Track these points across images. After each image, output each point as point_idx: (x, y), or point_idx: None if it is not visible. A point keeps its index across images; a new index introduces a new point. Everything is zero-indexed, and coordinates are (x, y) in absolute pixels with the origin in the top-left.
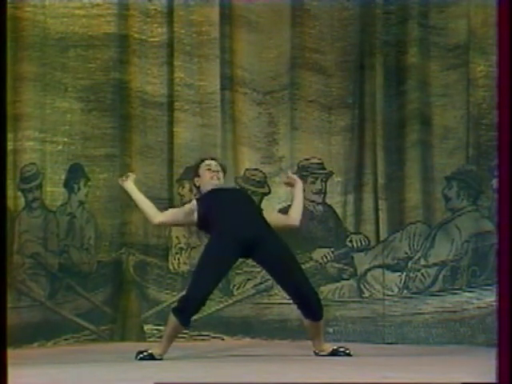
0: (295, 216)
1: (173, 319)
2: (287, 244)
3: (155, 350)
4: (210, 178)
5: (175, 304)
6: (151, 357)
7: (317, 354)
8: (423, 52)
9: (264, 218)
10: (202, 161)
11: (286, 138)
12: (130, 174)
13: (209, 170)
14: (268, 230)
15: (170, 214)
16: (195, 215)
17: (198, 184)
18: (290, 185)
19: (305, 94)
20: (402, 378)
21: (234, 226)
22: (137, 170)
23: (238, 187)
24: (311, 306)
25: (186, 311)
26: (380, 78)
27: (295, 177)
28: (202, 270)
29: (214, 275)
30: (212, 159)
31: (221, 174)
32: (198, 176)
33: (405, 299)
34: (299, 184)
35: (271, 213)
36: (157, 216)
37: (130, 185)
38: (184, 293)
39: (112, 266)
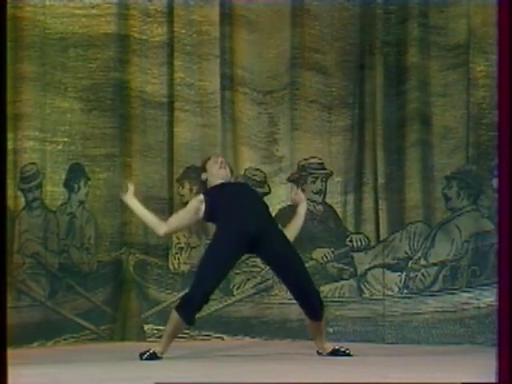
0: (291, 234)
1: (175, 317)
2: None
3: (156, 348)
4: (218, 168)
5: (178, 302)
6: (154, 355)
7: (319, 354)
8: (423, 52)
9: (270, 214)
10: (209, 158)
11: (286, 137)
12: (128, 184)
13: (216, 162)
14: (273, 226)
15: (173, 222)
16: (201, 211)
17: (204, 178)
18: (296, 201)
19: (305, 93)
20: (402, 378)
21: (239, 221)
22: (137, 169)
23: (244, 182)
24: (312, 305)
25: (189, 309)
26: (380, 78)
27: (303, 196)
28: (205, 267)
29: (218, 273)
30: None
31: (228, 168)
32: (205, 170)
33: (405, 299)
34: (304, 203)
35: None
36: (161, 227)
37: (131, 200)
38: (187, 290)
39: (112, 265)
